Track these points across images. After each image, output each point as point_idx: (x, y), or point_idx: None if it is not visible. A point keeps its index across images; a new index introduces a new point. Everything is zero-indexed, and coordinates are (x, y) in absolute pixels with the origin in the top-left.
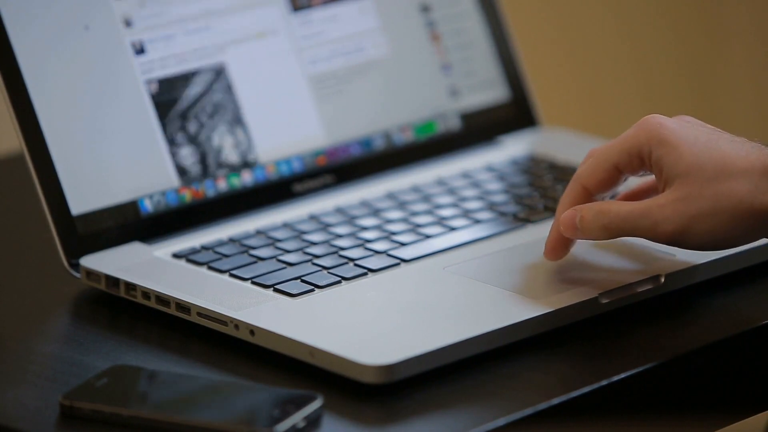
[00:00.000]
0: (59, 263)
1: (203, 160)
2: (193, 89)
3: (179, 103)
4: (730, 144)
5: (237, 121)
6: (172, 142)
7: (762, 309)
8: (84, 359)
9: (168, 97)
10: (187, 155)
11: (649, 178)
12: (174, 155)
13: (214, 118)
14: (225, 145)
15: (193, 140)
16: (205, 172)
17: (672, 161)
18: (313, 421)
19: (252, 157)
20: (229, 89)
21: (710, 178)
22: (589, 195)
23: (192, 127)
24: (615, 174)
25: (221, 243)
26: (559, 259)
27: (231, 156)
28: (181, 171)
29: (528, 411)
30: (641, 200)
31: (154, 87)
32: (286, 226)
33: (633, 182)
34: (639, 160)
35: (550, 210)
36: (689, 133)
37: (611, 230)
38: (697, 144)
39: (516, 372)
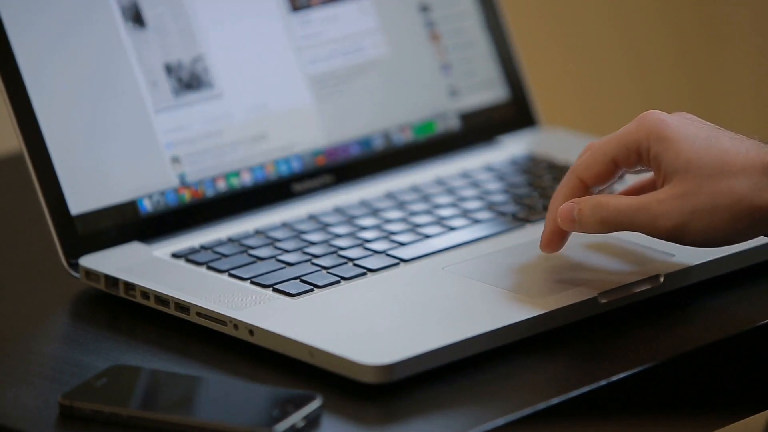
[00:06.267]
0: (58, 263)
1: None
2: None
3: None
4: (730, 141)
5: (243, 143)
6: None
7: (761, 309)
8: (84, 359)
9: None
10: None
11: (648, 175)
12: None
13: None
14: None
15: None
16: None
17: (671, 157)
18: (313, 420)
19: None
20: (228, 91)
21: (710, 174)
22: (585, 188)
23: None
24: (612, 168)
25: (220, 243)
26: (554, 251)
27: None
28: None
29: (527, 411)
30: (640, 195)
31: (155, 87)
32: (285, 225)
33: (631, 179)
34: (637, 155)
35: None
36: (689, 130)
37: (609, 223)
38: (697, 140)
39: (515, 372)
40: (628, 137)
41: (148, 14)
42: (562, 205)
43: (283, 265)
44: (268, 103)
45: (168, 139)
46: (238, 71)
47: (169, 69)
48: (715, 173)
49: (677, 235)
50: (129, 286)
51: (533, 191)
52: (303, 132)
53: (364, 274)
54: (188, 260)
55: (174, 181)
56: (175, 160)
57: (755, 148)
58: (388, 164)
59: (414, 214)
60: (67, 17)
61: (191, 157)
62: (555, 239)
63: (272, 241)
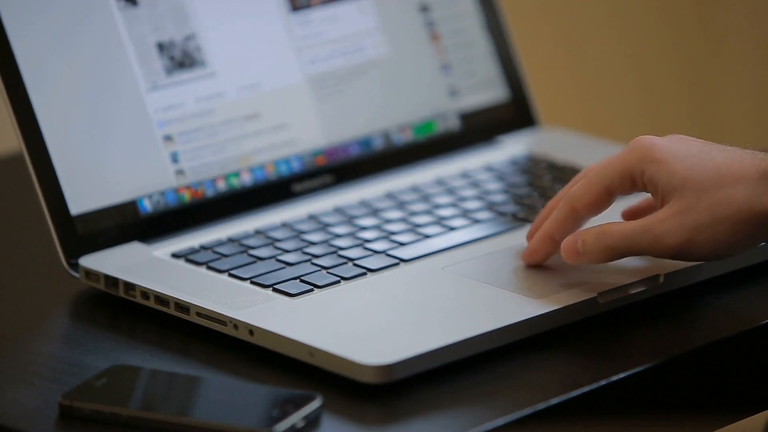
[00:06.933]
0: (58, 263)
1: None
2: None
3: (180, 106)
4: (723, 153)
5: (236, 122)
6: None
7: (761, 309)
8: (83, 359)
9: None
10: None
11: (646, 198)
12: (174, 159)
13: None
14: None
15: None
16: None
17: (666, 177)
18: (313, 420)
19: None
20: (227, 90)
21: (706, 188)
22: (578, 217)
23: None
24: (606, 196)
25: (220, 243)
26: (535, 264)
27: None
28: (179, 171)
29: (527, 411)
30: (641, 218)
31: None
32: (285, 226)
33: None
34: (631, 181)
35: None
36: (680, 149)
37: (614, 250)
38: (689, 157)
39: (515, 372)
40: (621, 164)
41: None
42: (564, 239)
43: (283, 265)
44: (267, 102)
45: (160, 117)
46: (234, 59)
47: (161, 47)
48: (712, 186)
49: (683, 251)
50: (129, 286)
51: (533, 191)
52: (303, 132)
53: (364, 274)
54: (188, 260)
55: (169, 166)
56: (168, 138)
57: (749, 156)
58: (388, 164)
59: (414, 214)
60: (68, 17)
61: (183, 135)
62: (537, 257)
63: (272, 241)
